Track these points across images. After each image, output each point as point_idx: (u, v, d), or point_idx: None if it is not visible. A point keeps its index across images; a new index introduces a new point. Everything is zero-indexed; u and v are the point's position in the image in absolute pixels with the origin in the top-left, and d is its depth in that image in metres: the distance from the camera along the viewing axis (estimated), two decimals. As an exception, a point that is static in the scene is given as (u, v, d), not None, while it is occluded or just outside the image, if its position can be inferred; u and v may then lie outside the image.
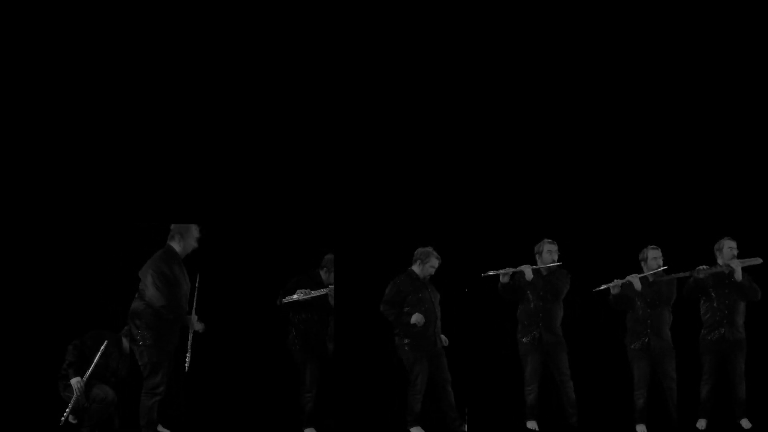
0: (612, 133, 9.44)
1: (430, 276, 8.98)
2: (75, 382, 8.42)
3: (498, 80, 9.31)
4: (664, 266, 8.96)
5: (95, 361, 8.45)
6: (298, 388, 8.83)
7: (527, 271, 9.03)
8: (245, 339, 9.03)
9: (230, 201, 9.05)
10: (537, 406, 9.06)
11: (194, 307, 8.40)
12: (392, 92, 9.26)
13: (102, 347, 8.48)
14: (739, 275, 8.84)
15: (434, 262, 8.94)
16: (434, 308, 8.91)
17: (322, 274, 8.90)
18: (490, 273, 9.02)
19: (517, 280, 9.11)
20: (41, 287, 9.08)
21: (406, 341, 8.85)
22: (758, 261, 8.89)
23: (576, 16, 9.24)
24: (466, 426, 8.90)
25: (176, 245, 8.37)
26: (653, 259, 8.97)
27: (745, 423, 8.94)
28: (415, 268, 8.97)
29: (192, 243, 8.40)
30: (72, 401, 8.41)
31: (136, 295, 8.33)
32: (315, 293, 8.75)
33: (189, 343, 8.41)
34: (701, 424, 8.97)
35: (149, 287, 8.22)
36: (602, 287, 8.96)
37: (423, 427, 8.84)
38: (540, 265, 9.10)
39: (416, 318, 8.78)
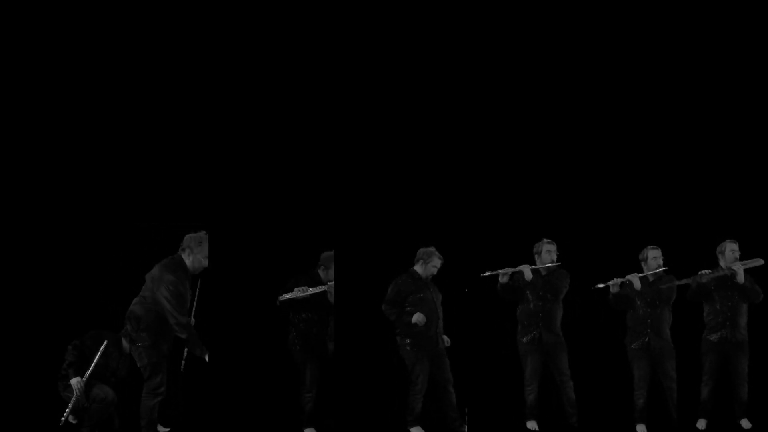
0: (612, 133, 9.45)
1: (432, 276, 8.97)
2: (75, 382, 8.41)
3: (498, 81, 9.32)
4: (664, 266, 8.96)
5: (95, 361, 8.45)
6: (298, 388, 8.82)
7: (526, 271, 9.03)
8: (245, 339, 9.02)
9: (231, 201, 9.05)
10: (537, 406, 9.07)
11: (193, 311, 8.41)
12: (393, 94, 9.26)
13: (102, 347, 8.47)
14: (741, 277, 8.83)
15: (436, 262, 8.94)
16: (436, 308, 8.90)
17: (320, 272, 8.88)
18: (489, 273, 9.01)
19: (517, 281, 9.10)
20: (41, 287, 9.09)
21: (408, 341, 8.85)
22: (760, 262, 8.89)
23: (576, 17, 9.24)
24: (466, 426, 8.90)
25: (186, 258, 8.29)
26: (653, 258, 8.98)
27: (745, 423, 8.94)
28: (418, 267, 8.97)
29: (202, 260, 8.29)
30: (72, 401, 8.41)
31: (138, 300, 8.27)
32: (312, 290, 8.73)
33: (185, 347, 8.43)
34: (701, 424, 8.97)
35: (164, 304, 8.13)
36: (601, 285, 8.96)
37: (423, 427, 8.83)
38: (539, 265, 9.10)
39: (417, 317, 8.77)
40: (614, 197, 9.47)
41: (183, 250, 8.30)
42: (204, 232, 8.35)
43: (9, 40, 9.01)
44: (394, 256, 9.14)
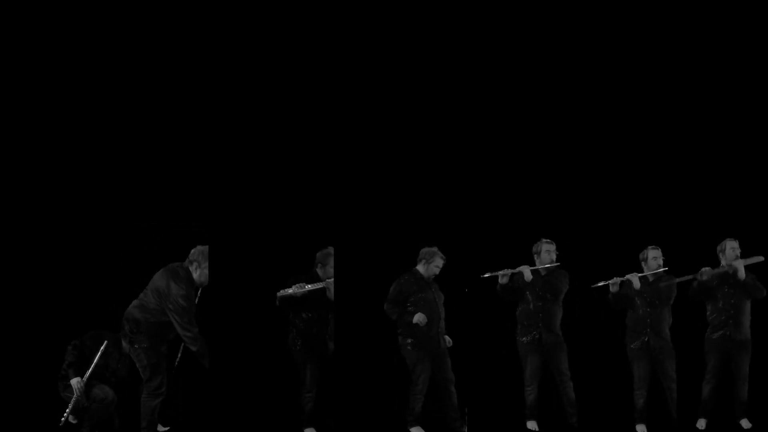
0: (611, 133, 9.45)
1: (434, 276, 8.97)
2: (75, 382, 8.41)
3: (498, 82, 9.32)
4: (664, 266, 8.96)
5: (95, 361, 8.45)
6: (298, 388, 8.82)
7: (526, 272, 9.03)
8: (245, 339, 9.02)
9: (231, 201, 9.05)
10: (537, 406, 9.07)
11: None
12: (395, 94, 9.27)
13: (102, 347, 8.47)
14: (742, 274, 8.84)
15: (439, 262, 8.93)
16: (438, 308, 8.90)
17: (318, 270, 8.87)
18: (489, 275, 9.01)
19: (516, 281, 9.10)
20: (41, 287, 9.09)
21: (409, 341, 8.85)
22: (760, 259, 8.90)
23: (575, 17, 9.24)
24: (466, 426, 8.90)
25: (194, 272, 8.22)
26: (653, 258, 8.98)
27: (745, 423, 8.94)
28: (420, 267, 8.97)
29: (207, 275, 8.27)
30: (72, 401, 8.41)
31: (138, 304, 8.22)
32: (311, 287, 8.71)
33: (182, 345, 8.42)
34: (701, 423, 8.97)
35: (173, 318, 8.08)
36: (601, 284, 8.96)
37: (423, 427, 8.83)
38: (538, 266, 9.10)
39: (418, 317, 8.77)
40: (614, 197, 9.48)
41: (191, 263, 8.23)
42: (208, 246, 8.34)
43: (9, 40, 9.00)
44: (393, 256, 9.14)
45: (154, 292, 8.15)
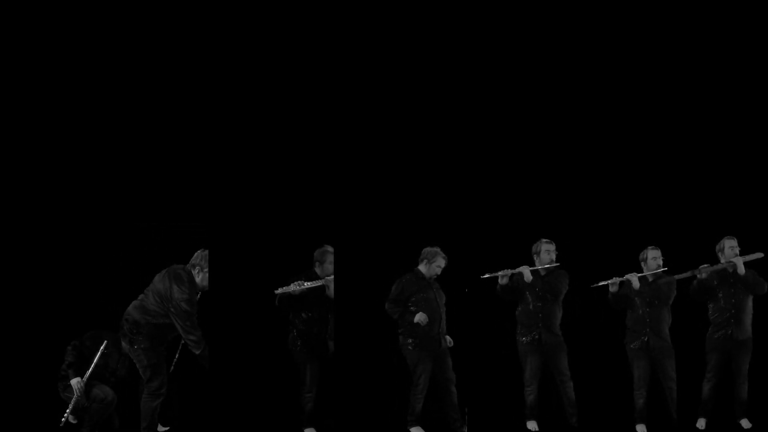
0: (610, 133, 9.45)
1: (436, 276, 8.97)
2: (75, 382, 8.41)
3: (498, 83, 9.32)
4: (663, 267, 8.96)
5: (95, 361, 8.45)
6: (298, 388, 8.82)
7: (526, 272, 9.03)
8: (245, 339, 9.02)
9: (231, 201, 9.05)
10: (537, 407, 9.06)
11: None
12: (395, 94, 9.27)
13: (101, 347, 8.47)
14: (741, 269, 8.84)
15: (441, 262, 8.93)
16: (439, 308, 8.90)
17: (316, 269, 8.86)
18: (489, 275, 9.01)
19: (516, 282, 9.10)
20: (42, 287, 9.08)
21: (410, 341, 8.85)
22: (759, 255, 8.91)
23: (575, 17, 9.24)
24: (466, 426, 8.90)
25: (196, 276, 8.21)
26: (653, 259, 8.98)
27: (745, 423, 8.94)
28: (422, 267, 8.97)
29: (207, 279, 8.27)
30: (72, 402, 8.41)
31: (138, 305, 8.21)
32: (310, 284, 8.69)
33: (180, 346, 8.43)
34: (701, 423, 8.97)
35: (177, 323, 8.07)
36: (600, 283, 8.96)
37: (423, 427, 8.83)
38: (538, 266, 9.10)
39: (419, 317, 8.77)
40: (613, 197, 9.48)
41: (193, 266, 8.21)
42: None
43: (9, 40, 9.00)
44: (394, 256, 9.14)
45: (156, 294, 8.14)
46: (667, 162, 9.45)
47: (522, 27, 9.26)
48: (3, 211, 9.10)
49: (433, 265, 8.93)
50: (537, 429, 9.04)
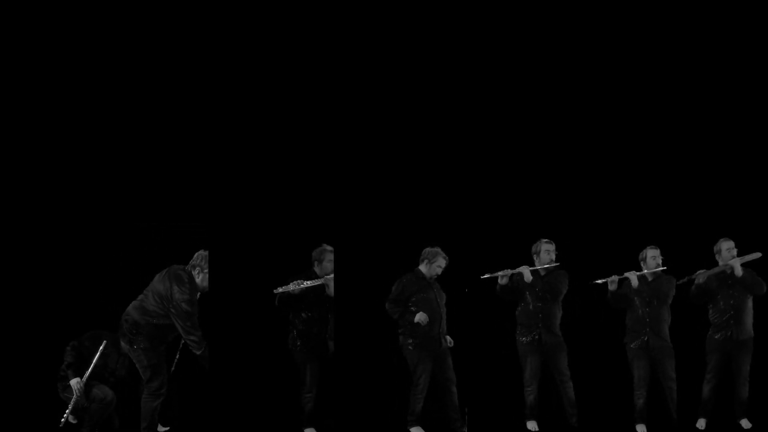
0: (610, 133, 9.45)
1: (437, 276, 8.97)
2: (74, 382, 8.41)
3: (498, 83, 9.33)
4: (663, 266, 8.96)
5: (94, 361, 8.45)
6: (298, 388, 8.82)
7: (526, 272, 9.03)
8: (245, 339, 9.02)
9: (231, 201, 9.05)
10: (537, 407, 9.06)
11: None
12: (396, 94, 9.28)
13: (101, 348, 8.47)
14: (738, 271, 8.84)
15: (441, 262, 8.93)
16: (439, 308, 8.90)
17: (315, 268, 8.86)
18: (489, 276, 9.01)
19: (516, 282, 9.10)
20: (41, 287, 9.08)
21: (411, 341, 8.84)
22: (757, 255, 8.91)
23: (575, 17, 9.25)
24: (466, 426, 8.90)
25: (196, 276, 8.20)
26: (652, 258, 8.98)
27: (745, 423, 8.94)
28: (422, 267, 8.97)
29: (207, 280, 8.26)
30: (72, 402, 8.41)
31: (137, 305, 8.20)
32: (309, 283, 8.69)
33: (180, 346, 8.42)
34: (701, 423, 8.97)
35: (178, 324, 8.06)
36: (599, 281, 8.96)
37: (423, 427, 8.83)
38: (538, 266, 9.10)
39: (420, 317, 8.77)
40: (613, 197, 9.48)
41: (193, 267, 8.20)
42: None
43: (9, 40, 9.01)
44: (394, 256, 9.14)
45: (156, 294, 8.13)
46: (667, 162, 9.46)
47: (522, 27, 9.27)
48: (3, 211, 9.10)
49: (433, 265, 8.93)
50: (537, 429, 9.04)
